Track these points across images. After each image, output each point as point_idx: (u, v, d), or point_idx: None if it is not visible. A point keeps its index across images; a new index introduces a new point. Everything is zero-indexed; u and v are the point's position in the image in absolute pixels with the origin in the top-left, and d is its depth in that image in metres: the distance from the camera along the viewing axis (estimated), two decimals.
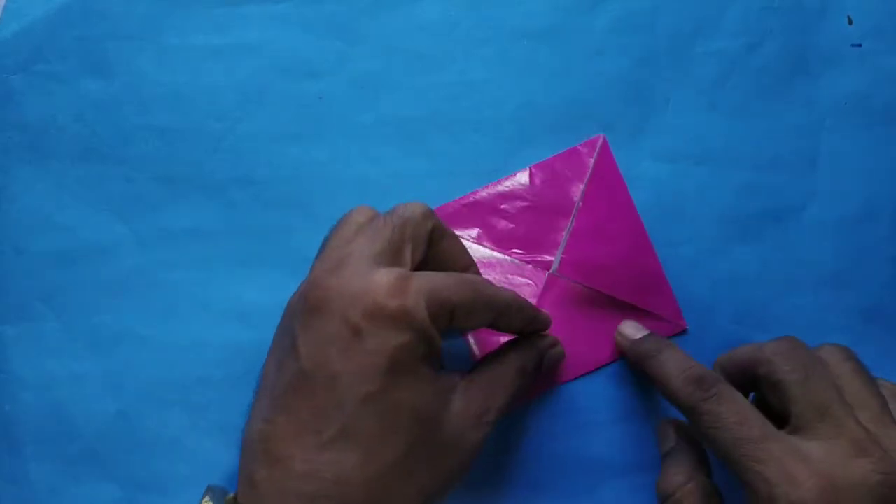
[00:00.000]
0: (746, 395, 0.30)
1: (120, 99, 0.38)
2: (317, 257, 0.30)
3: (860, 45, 0.38)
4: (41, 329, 0.36)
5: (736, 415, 0.28)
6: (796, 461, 0.26)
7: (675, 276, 0.36)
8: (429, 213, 0.30)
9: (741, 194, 0.37)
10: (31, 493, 0.35)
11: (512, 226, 0.36)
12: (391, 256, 0.28)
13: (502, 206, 0.36)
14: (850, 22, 0.38)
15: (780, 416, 0.29)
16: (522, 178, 0.37)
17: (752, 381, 0.31)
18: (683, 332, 0.36)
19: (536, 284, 0.36)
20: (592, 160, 0.36)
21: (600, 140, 0.37)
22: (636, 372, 0.35)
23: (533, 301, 0.35)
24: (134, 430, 0.36)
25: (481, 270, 0.34)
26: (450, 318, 0.28)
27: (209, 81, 0.38)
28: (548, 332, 0.34)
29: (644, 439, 0.35)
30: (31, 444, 0.36)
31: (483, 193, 0.37)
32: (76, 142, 0.38)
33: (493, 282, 0.34)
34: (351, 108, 0.38)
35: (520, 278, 0.36)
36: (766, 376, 0.29)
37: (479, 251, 0.36)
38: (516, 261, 0.36)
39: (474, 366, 0.31)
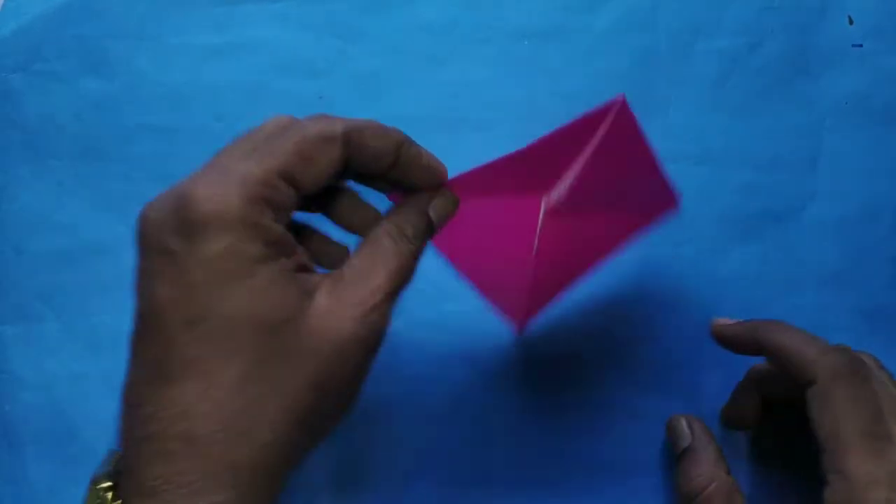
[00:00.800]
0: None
1: (119, 98, 0.38)
2: None
3: (861, 45, 0.38)
4: (41, 329, 0.36)
5: (851, 404, 0.27)
6: (876, 468, 0.26)
7: (676, 276, 0.36)
8: (333, 137, 0.25)
9: (742, 194, 0.37)
10: (31, 493, 0.35)
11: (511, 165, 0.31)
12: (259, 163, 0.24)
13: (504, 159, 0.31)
14: (851, 22, 0.38)
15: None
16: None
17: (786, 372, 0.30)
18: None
19: (534, 219, 0.33)
20: (615, 120, 0.31)
21: (620, 99, 0.31)
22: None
23: (532, 235, 0.33)
24: None
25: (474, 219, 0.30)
26: (294, 191, 0.24)
27: (209, 81, 0.38)
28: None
29: (646, 439, 0.35)
30: (31, 445, 0.36)
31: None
32: (75, 141, 0.37)
33: (489, 217, 0.31)
34: (351, 108, 0.37)
35: (515, 217, 0.33)
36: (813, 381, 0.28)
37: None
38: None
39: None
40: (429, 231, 0.28)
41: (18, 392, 0.36)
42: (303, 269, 0.25)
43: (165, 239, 0.23)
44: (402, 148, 0.28)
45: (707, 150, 0.37)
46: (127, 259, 0.36)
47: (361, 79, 0.37)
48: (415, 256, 0.27)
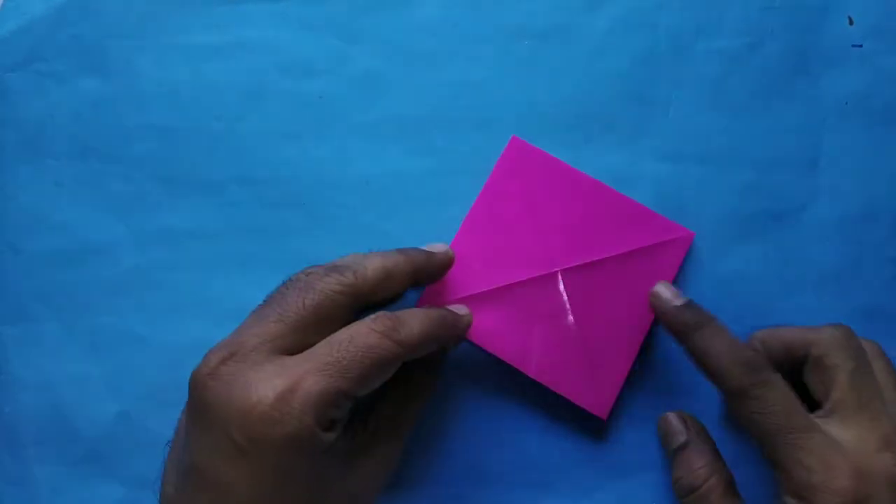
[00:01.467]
0: (782, 373, 0.30)
1: (118, 98, 0.37)
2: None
3: (861, 46, 0.38)
4: (40, 330, 0.36)
5: (783, 403, 0.29)
6: (834, 452, 0.28)
7: (676, 277, 0.36)
8: (351, 291, 0.29)
9: (742, 194, 0.37)
10: (34, 493, 0.35)
11: (502, 260, 0.36)
12: (294, 343, 0.27)
13: (484, 247, 0.36)
14: (851, 22, 0.38)
15: (810, 398, 0.30)
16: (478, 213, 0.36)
17: (792, 360, 0.32)
18: (693, 239, 0.36)
19: (556, 291, 0.36)
20: (524, 161, 0.36)
21: (513, 141, 0.37)
22: (674, 341, 0.33)
23: (566, 308, 0.35)
24: (136, 430, 0.36)
25: (496, 306, 0.35)
26: (354, 397, 0.27)
27: (209, 81, 0.37)
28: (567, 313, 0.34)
29: (646, 439, 0.35)
30: (33, 446, 0.36)
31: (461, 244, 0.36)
32: (74, 141, 0.37)
33: (524, 312, 0.35)
34: (351, 108, 0.37)
35: (540, 296, 0.36)
36: (819, 359, 0.30)
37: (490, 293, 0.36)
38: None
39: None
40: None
41: (18, 393, 0.36)
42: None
43: (234, 433, 0.25)
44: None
45: (707, 150, 0.37)
46: (126, 259, 0.37)
47: (361, 79, 0.37)
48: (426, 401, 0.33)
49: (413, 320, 0.29)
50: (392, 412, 0.31)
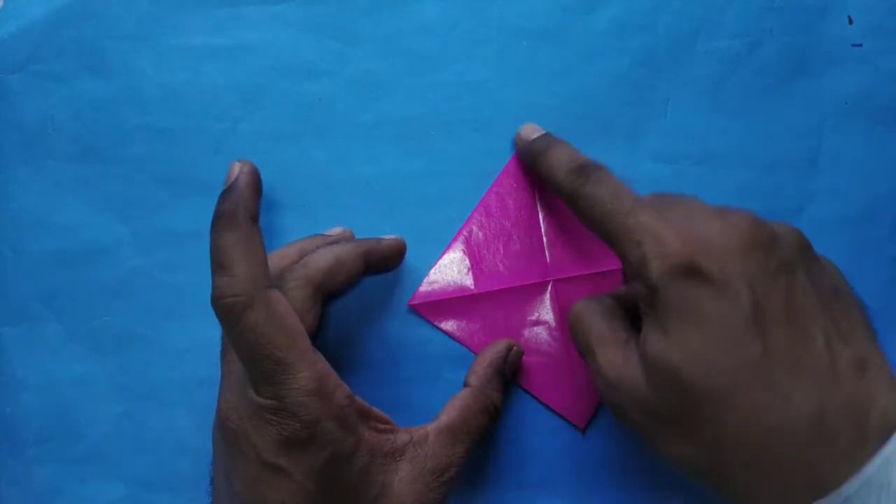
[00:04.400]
0: None
1: (119, 99, 0.37)
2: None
3: (861, 45, 0.38)
4: (41, 330, 0.36)
5: (611, 193, 0.29)
6: (663, 223, 0.27)
7: None
8: (311, 293, 0.30)
9: (742, 194, 0.37)
10: (35, 493, 0.35)
11: (497, 258, 0.36)
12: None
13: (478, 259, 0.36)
14: (851, 22, 0.38)
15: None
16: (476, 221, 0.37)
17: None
18: None
19: (545, 300, 0.36)
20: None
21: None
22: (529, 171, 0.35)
23: (553, 318, 0.36)
24: (138, 430, 0.36)
25: (485, 310, 0.36)
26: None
27: (209, 81, 0.37)
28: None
29: None
30: (33, 446, 0.36)
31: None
32: (74, 142, 0.37)
33: (511, 317, 0.35)
34: (351, 109, 0.37)
35: (529, 304, 0.36)
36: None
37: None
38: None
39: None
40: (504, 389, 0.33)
41: (19, 393, 0.36)
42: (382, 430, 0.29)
43: (266, 455, 0.26)
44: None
45: (707, 150, 0.37)
46: (127, 260, 0.37)
47: (361, 80, 0.37)
48: (493, 425, 0.33)
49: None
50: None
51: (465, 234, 0.36)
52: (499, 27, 0.38)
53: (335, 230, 0.35)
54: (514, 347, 0.34)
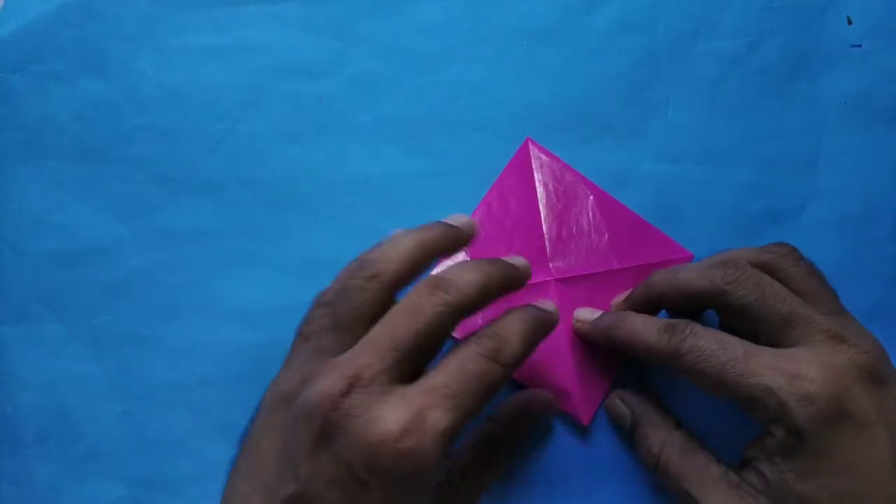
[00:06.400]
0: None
1: (119, 99, 0.38)
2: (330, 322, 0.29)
3: (860, 46, 0.38)
4: (41, 330, 0.36)
5: (717, 343, 0.28)
6: (790, 361, 0.27)
7: None
8: (457, 310, 0.28)
9: (742, 194, 0.37)
10: (34, 493, 0.35)
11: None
12: (408, 369, 0.27)
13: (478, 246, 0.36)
14: (850, 22, 0.38)
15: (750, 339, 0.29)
16: (480, 213, 0.37)
17: (697, 308, 0.32)
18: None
19: (545, 294, 0.36)
20: (534, 165, 0.36)
21: (526, 143, 0.37)
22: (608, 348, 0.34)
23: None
24: (137, 430, 0.36)
25: (492, 310, 0.34)
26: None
27: (208, 81, 0.37)
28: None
29: None
30: (34, 446, 0.36)
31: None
32: (75, 141, 0.37)
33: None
34: (351, 108, 0.37)
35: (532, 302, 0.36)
36: (726, 306, 0.30)
37: None
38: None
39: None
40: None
41: (20, 393, 0.36)
42: None
43: (358, 465, 0.25)
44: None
45: (707, 150, 0.37)
46: (126, 260, 0.37)
47: (361, 80, 0.37)
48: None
49: (514, 337, 0.28)
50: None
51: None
52: (499, 27, 0.38)
53: (460, 218, 0.32)
54: (551, 407, 0.34)
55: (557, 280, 0.36)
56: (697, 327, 0.29)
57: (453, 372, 0.26)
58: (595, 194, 0.36)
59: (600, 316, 0.33)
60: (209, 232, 0.37)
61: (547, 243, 0.36)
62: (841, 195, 0.37)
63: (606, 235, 0.36)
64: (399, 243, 0.29)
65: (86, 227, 0.37)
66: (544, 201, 0.36)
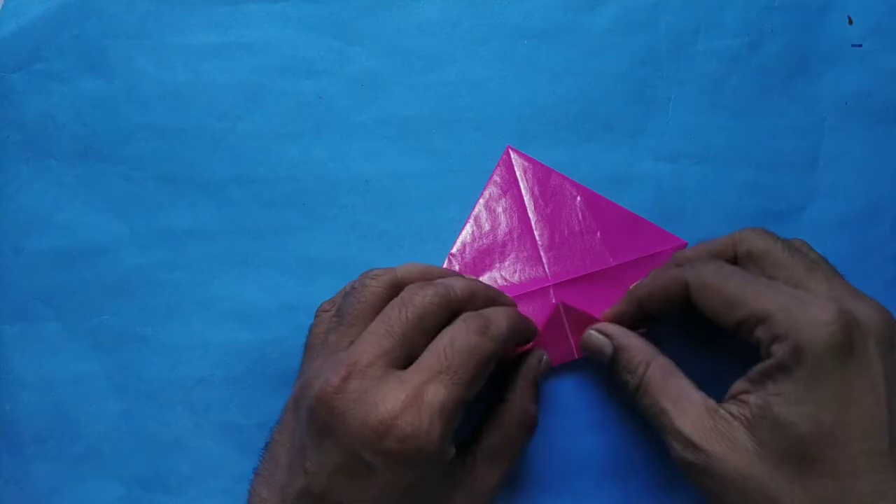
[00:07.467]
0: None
1: (119, 98, 0.38)
2: (331, 328, 0.30)
3: (860, 45, 0.38)
4: (41, 329, 0.36)
5: (737, 273, 0.29)
6: (809, 295, 0.27)
7: None
8: (445, 302, 0.29)
9: (742, 194, 0.37)
10: (34, 492, 0.35)
11: (494, 272, 0.36)
12: (403, 355, 0.28)
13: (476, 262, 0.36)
14: (851, 22, 0.38)
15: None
16: (469, 229, 0.37)
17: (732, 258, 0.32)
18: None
19: (549, 304, 0.36)
20: (518, 172, 0.37)
21: (507, 152, 0.37)
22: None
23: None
24: (137, 429, 0.36)
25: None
26: (465, 402, 0.28)
27: (209, 81, 0.37)
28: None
29: (646, 439, 0.35)
30: (33, 445, 0.36)
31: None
32: (75, 141, 0.37)
33: None
34: (351, 108, 0.37)
35: (532, 310, 0.36)
36: (749, 250, 0.30)
37: None
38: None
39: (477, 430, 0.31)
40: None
41: (19, 392, 0.36)
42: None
43: (361, 449, 0.26)
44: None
45: (707, 150, 0.37)
46: (127, 259, 0.37)
47: (361, 79, 0.37)
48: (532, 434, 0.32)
49: (497, 315, 0.29)
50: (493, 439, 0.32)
51: (463, 242, 0.36)
52: (499, 26, 0.38)
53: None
54: (544, 357, 0.34)
55: (556, 285, 0.36)
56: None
57: (445, 349, 0.27)
58: (582, 194, 0.36)
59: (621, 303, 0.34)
60: (209, 231, 0.37)
61: (541, 250, 0.36)
62: (841, 195, 0.37)
63: (599, 234, 0.36)
64: (457, 280, 0.31)
65: (86, 226, 0.37)
66: (533, 208, 0.36)
